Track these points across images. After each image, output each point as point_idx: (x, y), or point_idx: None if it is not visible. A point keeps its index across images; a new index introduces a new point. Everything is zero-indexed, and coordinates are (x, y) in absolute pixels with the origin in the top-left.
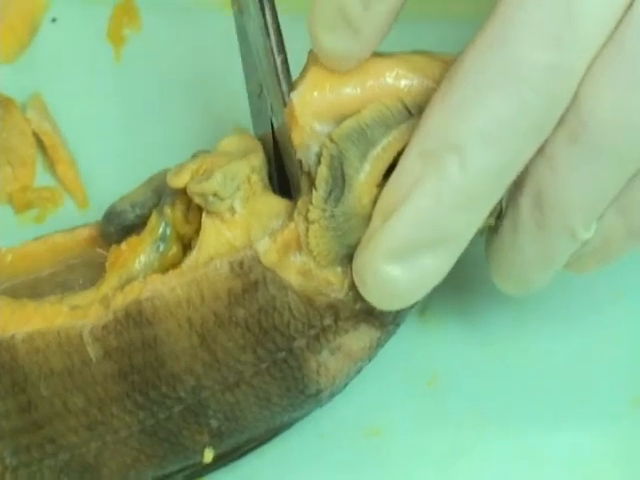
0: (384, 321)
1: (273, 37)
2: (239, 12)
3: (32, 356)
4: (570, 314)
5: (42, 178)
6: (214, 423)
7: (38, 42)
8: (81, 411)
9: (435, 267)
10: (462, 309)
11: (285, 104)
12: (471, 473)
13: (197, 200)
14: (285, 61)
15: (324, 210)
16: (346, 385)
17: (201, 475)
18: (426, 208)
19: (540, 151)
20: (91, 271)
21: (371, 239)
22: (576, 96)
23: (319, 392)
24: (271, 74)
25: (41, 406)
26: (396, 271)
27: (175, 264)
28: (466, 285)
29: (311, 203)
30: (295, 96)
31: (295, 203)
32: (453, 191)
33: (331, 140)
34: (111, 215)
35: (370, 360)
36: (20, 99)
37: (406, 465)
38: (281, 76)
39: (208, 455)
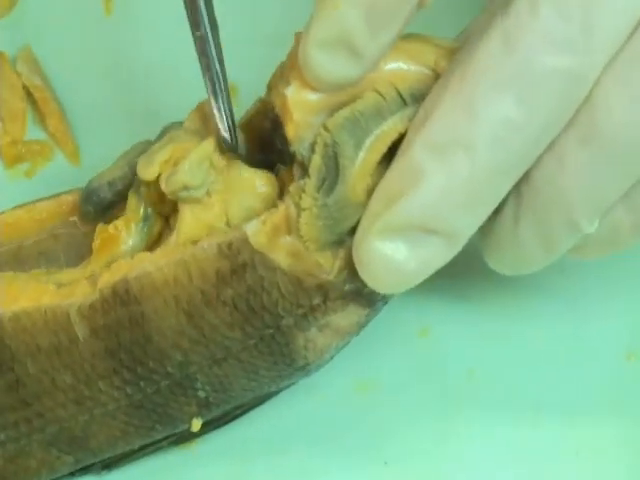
0: (373, 300)
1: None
2: None
3: (19, 335)
4: (564, 268)
5: (32, 132)
6: (202, 395)
7: None
8: (69, 387)
9: (438, 255)
10: (453, 262)
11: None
12: (464, 425)
13: (170, 197)
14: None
15: (316, 199)
16: (333, 357)
17: (187, 441)
18: (432, 200)
19: (549, 147)
20: (75, 241)
21: (375, 222)
22: (589, 99)
23: (307, 365)
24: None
25: (29, 384)
26: (400, 255)
27: (160, 239)
28: None
29: (304, 191)
30: (289, 91)
31: (268, 172)
32: (460, 187)
33: (325, 129)
34: (89, 195)
35: (358, 334)
36: (10, 53)
37: (398, 419)
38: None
39: (196, 424)
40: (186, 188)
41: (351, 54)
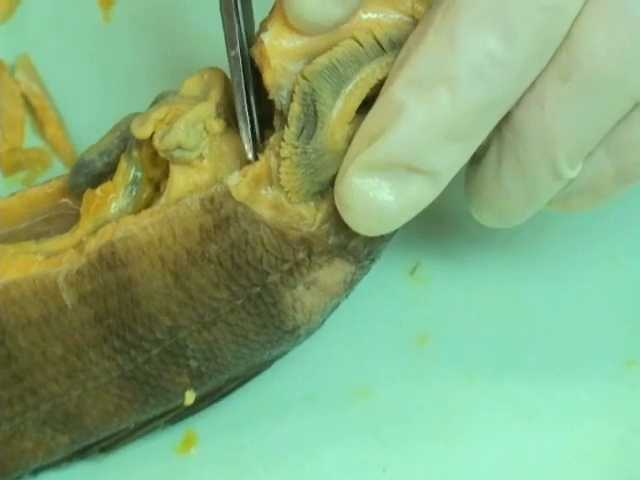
0: (358, 256)
1: None
2: None
3: (8, 307)
4: (564, 271)
5: (31, 140)
6: (193, 363)
7: (26, 4)
8: (60, 359)
9: (420, 194)
10: (451, 268)
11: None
12: (463, 432)
13: (163, 155)
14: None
15: (296, 147)
16: (323, 322)
17: (183, 418)
18: (413, 135)
19: (530, 87)
20: (67, 222)
21: (355, 159)
22: (569, 36)
23: (296, 328)
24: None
25: (20, 358)
26: (382, 194)
27: (148, 206)
28: (455, 245)
29: (283, 140)
30: (266, 37)
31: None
32: (442, 122)
33: (303, 77)
34: (80, 166)
35: (347, 296)
36: (8, 61)
37: (396, 426)
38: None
39: (189, 397)
40: (180, 147)
41: None
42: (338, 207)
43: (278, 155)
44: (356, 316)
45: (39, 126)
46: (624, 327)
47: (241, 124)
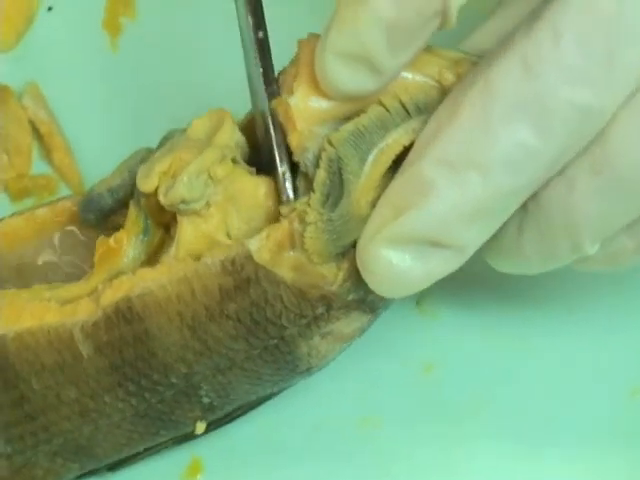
0: (375, 307)
1: (253, 14)
2: None
3: (22, 353)
4: (569, 304)
5: (38, 166)
6: (206, 400)
7: (34, 31)
8: (74, 401)
9: (443, 265)
10: (458, 298)
11: (267, 85)
12: (469, 460)
13: (168, 209)
14: (265, 37)
15: (321, 213)
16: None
17: (190, 440)
18: (442, 214)
19: (561, 170)
20: (75, 251)
21: (381, 231)
22: (604, 132)
23: (310, 369)
24: (250, 51)
25: (33, 399)
26: (405, 262)
27: (160, 248)
28: (463, 275)
29: (308, 205)
30: (292, 99)
31: (270, 178)
32: (470, 204)
33: (330, 143)
34: (89, 202)
35: (360, 337)
36: (16, 87)
37: (401, 455)
38: (258, 53)
39: (200, 427)
40: (184, 201)
41: (369, 69)
42: (361, 271)
43: (302, 219)
44: (363, 345)
45: (46, 152)
46: (627, 356)
47: (278, 171)
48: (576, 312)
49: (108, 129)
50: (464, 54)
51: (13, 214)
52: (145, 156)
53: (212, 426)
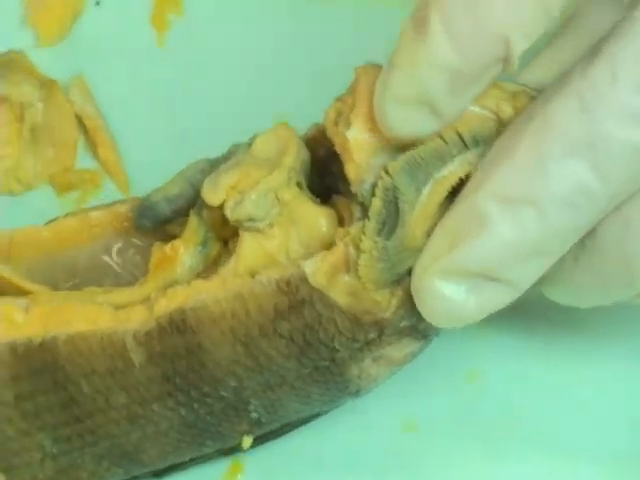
0: (427, 333)
1: None
2: None
3: (74, 357)
4: (617, 333)
5: (84, 160)
6: (254, 415)
7: (82, 25)
8: (122, 406)
9: (497, 299)
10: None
11: None
12: (508, 472)
13: (233, 223)
14: None
15: (376, 242)
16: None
17: (235, 452)
18: (497, 249)
19: (617, 207)
20: (129, 255)
21: (436, 262)
22: None
23: (359, 391)
24: None
25: (82, 402)
26: (459, 295)
27: (217, 261)
28: None
29: (364, 233)
30: (350, 133)
31: (331, 209)
32: (526, 242)
33: (387, 173)
34: (146, 210)
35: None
36: (63, 81)
37: (442, 461)
38: None
39: (247, 441)
40: (251, 219)
41: (430, 112)
42: (415, 300)
43: (358, 247)
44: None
45: (92, 147)
46: None
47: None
48: (622, 342)
49: (153, 125)
50: (522, 87)
51: (67, 214)
52: (203, 167)
53: (258, 441)
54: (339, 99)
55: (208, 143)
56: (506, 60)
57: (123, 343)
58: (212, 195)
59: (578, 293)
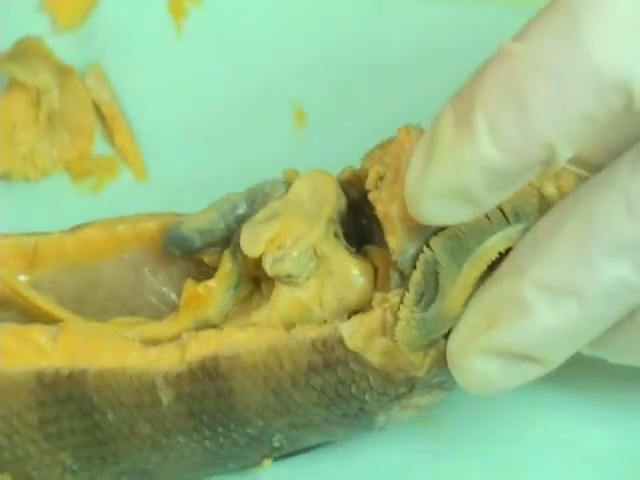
0: (455, 386)
1: None
2: None
3: (102, 390)
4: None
5: (100, 147)
6: (276, 444)
7: (99, 12)
8: (147, 436)
9: (531, 375)
10: None
11: None
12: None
13: (271, 276)
14: None
15: (414, 312)
16: None
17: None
18: (536, 335)
19: None
20: (156, 278)
21: (474, 340)
22: None
23: (382, 428)
24: None
25: (107, 429)
26: (494, 371)
27: (248, 300)
28: None
29: (402, 302)
30: (395, 210)
31: (367, 262)
32: (565, 329)
33: (428, 246)
34: (176, 240)
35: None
36: (80, 68)
37: (458, 454)
38: None
39: (267, 463)
40: (289, 276)
41: (466, 203)
42: (451, 369)
43: (395, 314)
44: None
45: (108, 134)
46: None
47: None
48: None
49: (169, 112)
50: (566, 166)
51: (93, 222)
52: (236, 201)
53: (277, 458)
54: (379, 159)
55: (224, 131)
56: (549, 162)
57: (152, 382)
58: (252, 248)
59: (612, 355)
